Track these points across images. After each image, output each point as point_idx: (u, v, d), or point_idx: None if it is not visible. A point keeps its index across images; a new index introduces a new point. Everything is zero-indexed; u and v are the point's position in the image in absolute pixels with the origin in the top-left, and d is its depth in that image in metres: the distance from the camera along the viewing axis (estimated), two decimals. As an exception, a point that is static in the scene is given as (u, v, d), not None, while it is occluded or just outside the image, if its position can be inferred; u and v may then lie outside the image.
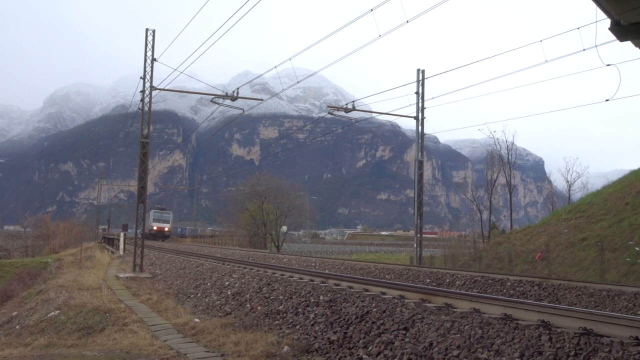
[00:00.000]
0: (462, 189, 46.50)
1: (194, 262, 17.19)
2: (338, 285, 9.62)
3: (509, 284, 10.15)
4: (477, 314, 6.31)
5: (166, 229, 64.08)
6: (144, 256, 18.14)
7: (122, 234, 31.15)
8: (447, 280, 11.35)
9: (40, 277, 24.29)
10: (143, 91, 17.99)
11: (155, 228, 61.70)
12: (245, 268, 14.12)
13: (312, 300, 8.05)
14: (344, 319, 6.81)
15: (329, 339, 6.37)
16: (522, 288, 9.73)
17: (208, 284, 12.14)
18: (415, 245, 22.35)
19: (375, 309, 6.82)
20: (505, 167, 37.17)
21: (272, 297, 9.07)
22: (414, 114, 22.86)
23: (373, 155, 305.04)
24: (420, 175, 22.65)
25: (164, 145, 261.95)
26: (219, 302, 10.02)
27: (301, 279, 10.86)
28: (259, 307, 8.71)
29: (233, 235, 61.44)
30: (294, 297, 8.60)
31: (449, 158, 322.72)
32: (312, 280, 10.45)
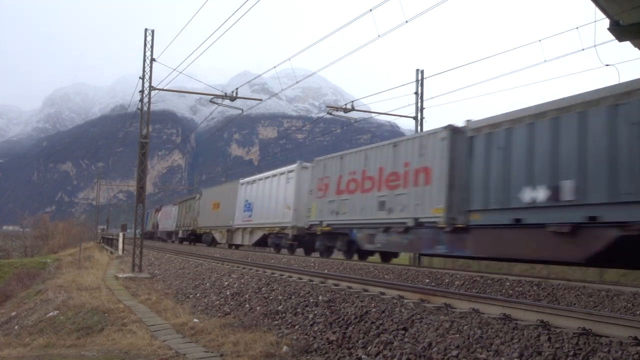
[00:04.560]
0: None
1: (193, 262, 17.19)
2: (337, 285, 9.62)
3: (508, 284, 10.15)
4: (476, 314, 6.31)
5: None
6: (143, 256, 18.13)
7: (121, 234, 31.12)
8: (446, 280, 11.35)
9: (39, 277, 24.26)
10: (142, 91, 17.98)
11: None
12: (244, 268, 14.11)
13: (311, 300, 8.05)
14: (343, 319, 6.81)
15: (328, 339, 6.37)
16: (521, 288, 9.73)
17: (207, 284, 12.13)
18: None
19: (374, 309, 6.82)
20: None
21: (271, 297, 9.07)
22: (413, 114, 22.87)
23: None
24: (420, 175, 22.48)
25: (163, 145, 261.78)
26: (218, 302, 10.02)
27: (300, 279, 10.86)
28: (258, 307, 8.71)
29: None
30: (293, 297, 8.60)
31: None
32: (311, 281, 10.45)
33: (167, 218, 49.65)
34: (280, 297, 8.84)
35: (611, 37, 9.61)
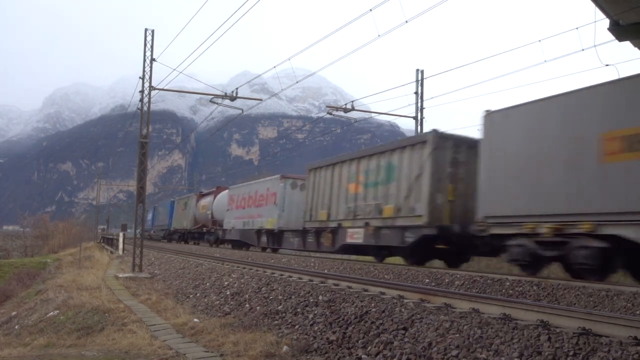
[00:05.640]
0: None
1: (193, 262, 17.19)
2: (337, 285, 9.62)
3: (507, 283, 10.16)
4: (476, 313, 6.32)
5: None
6: (143, 256, 18.13)
7: (121, 234, 31.13)
8: (446, 280, 11.35)
9: (39, 277, 24.28)
10: (142, 91, 17.99)
11: None
12: (244, 268, 14.12)
13: (311, 300, 8.05)
14: (343, 319, 6.82)
15: (328, 338, 6.37)
16: (521, 288, 9.73)
17: (207, 283, 12.14)
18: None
19: (374, 309, 6.82)
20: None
21: (271, 297, 9.07)
22: (413, 114, 22.88)
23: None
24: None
25: (163, 145, 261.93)
26: (218, 302, 10.02)
27: (300, 278, 10.87)
28: (258, 307, 8.71)
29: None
30: (293, 297, 8.60)
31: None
32: (311, 280, 10.46)
33: (255, 205, 26.81)
34: (280, 297, 8.84)
35: (611, 37, 9.62)
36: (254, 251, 26.13)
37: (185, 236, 41.90)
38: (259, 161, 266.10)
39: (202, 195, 38.62)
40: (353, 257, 21.73)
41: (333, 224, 18.92)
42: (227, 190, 32.62)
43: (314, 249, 21.08)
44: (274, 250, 25.54)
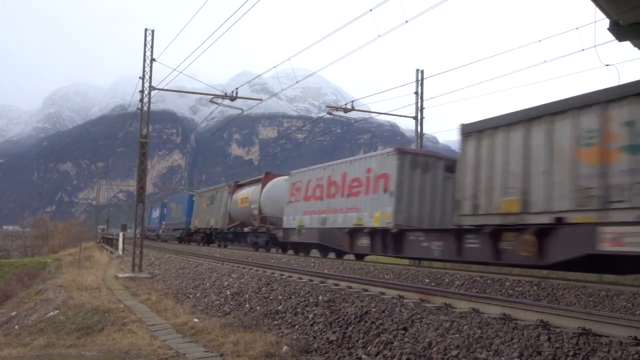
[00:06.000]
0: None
1: (193, 262, 17.19)
2: (337, 285, 9.63)
3: (507, 283, 10.16)
4: (476, 313, 6.32)
5: None
6: (143, 256, 18.13)
7: (121, 234, 31.14)
8: (446, 280, 11.35)
9: (39, 277, 24.30)
10: (142, 91, 17.99)
11: None
12: (244, 268, 14.12)
13: (311, 300, 8.06)
14: (343, 319, 6.82)
15: (328, 338, 6.37)
16: (521, 288, 9.73)
17: (207, 283, 12.14)
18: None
19: (374, 309, 6.82)
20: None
21: (271, 297, 9.08)
22: (413, 114, 22.90)
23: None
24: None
25: (163, 145, 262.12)
26: (218, 302, 10.03)
27: (300, 279, 10.87)
28: (258, 307, 8.71)
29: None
30: (293, 297, 8.60)
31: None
32: (311, 280, 10.46)
33: (343, 194, 18.68)
34: (280, 297, 8.85)
35: (611, 37, 9.62)
36: (253, 251, 25.92)
37: (212, 237, 33.91)
38: (259, 161, 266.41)
39: (239, 186, 30.53)
40: (353, 257, 19.03)
41: (539, 219, 11.09)
42: (283, 177, 24.97)
43: (485, 259, 12.61)
44: (358, 257, 18.54)
